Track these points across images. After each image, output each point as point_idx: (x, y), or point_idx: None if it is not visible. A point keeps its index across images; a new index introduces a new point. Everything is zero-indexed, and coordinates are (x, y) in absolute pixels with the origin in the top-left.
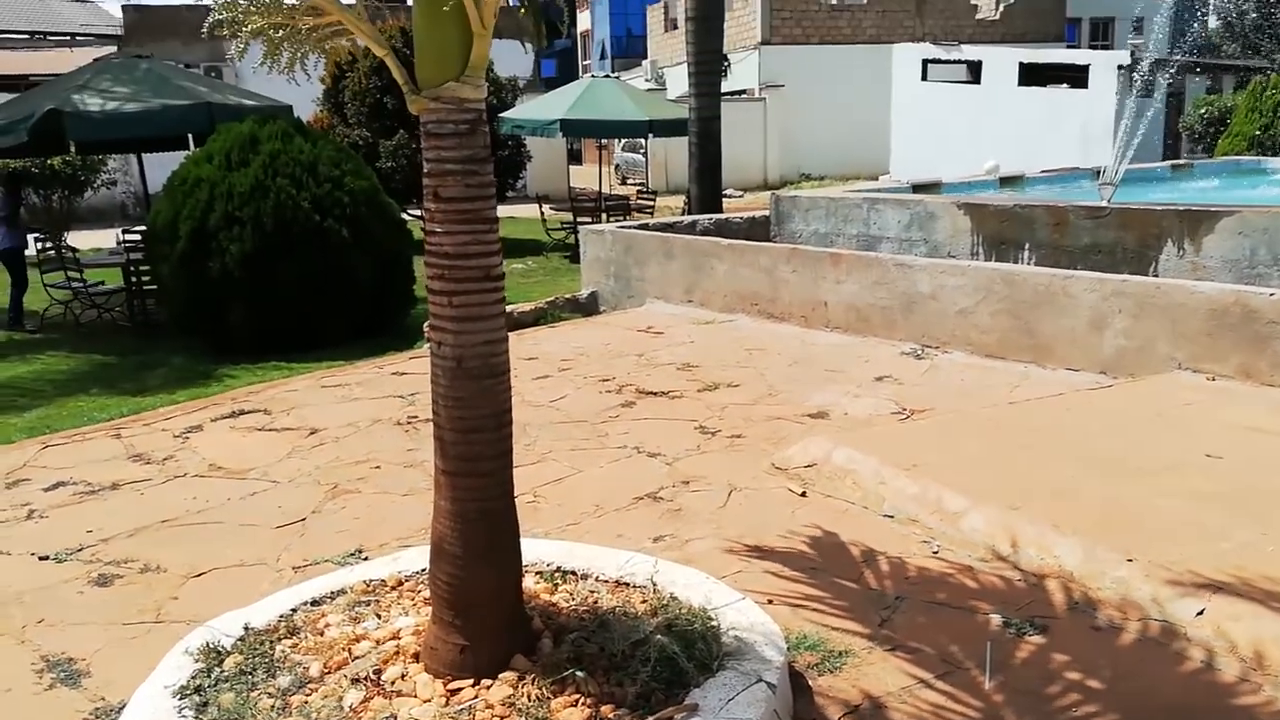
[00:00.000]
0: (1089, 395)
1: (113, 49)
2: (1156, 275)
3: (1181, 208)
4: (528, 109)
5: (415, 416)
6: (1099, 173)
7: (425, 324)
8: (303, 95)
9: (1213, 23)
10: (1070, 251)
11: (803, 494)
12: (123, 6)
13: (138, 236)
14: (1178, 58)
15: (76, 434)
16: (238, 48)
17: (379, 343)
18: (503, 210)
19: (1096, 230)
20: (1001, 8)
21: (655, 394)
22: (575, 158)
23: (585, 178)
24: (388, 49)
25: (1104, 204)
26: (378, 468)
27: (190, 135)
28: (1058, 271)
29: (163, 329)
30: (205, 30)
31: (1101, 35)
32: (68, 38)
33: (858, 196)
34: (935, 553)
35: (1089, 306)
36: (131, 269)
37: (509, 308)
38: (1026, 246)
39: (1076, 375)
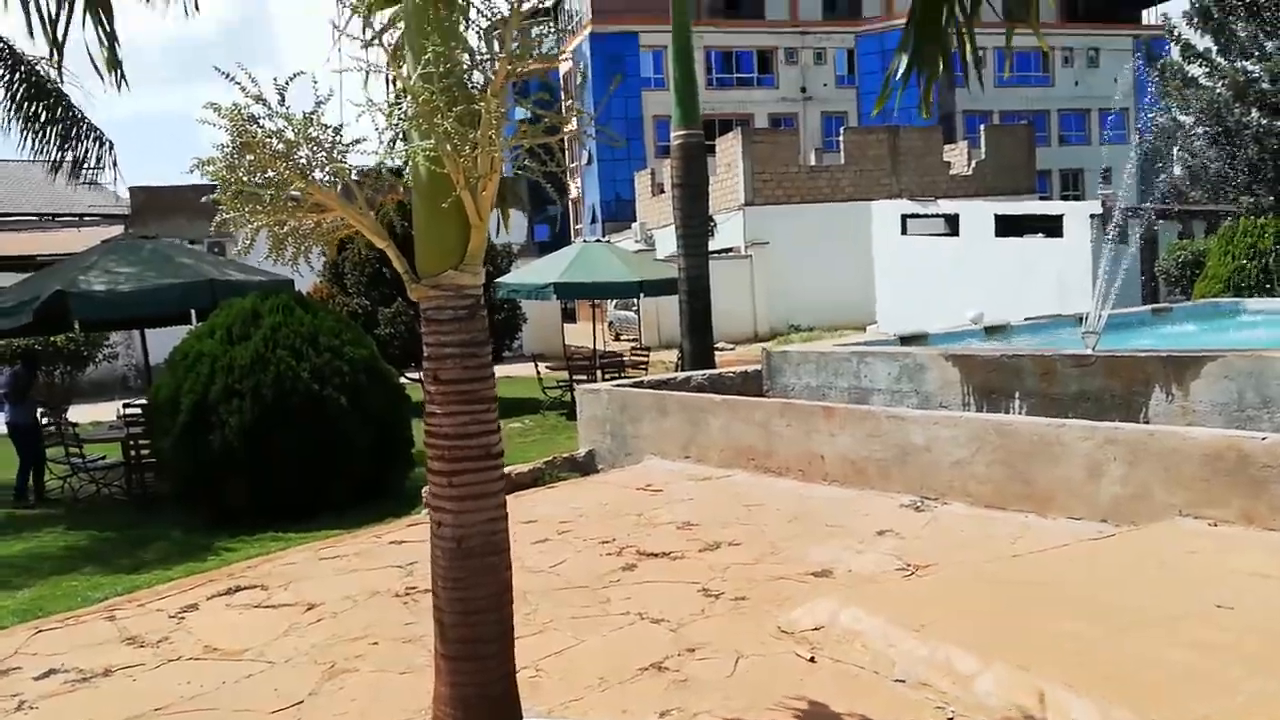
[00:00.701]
0: (1092, 546)
1: (120, 228)
2: (1148, 421)
3: (1165, 354)
4: (522, 274)
5: (414, 587)
6: (1081, 319)
7: (424, 489)
8: (303, 267)
9: (1177, 171)
10: (1060, 400)
11: (811, 659)
12: (130, 188)
13: (138, 410)
14: (1148, 205)
15: (69, 617)
16: (244, 243)
17: (378, 507)
18: (499, 370)
19: (1084, 378)
20: (974, 164)
21: (656, 555)
22: (569, 316)
23: (580, 335)
24: (388, 240)
25: (1089, 352)
26: (376, 644)
27: (193, 310)
28: (1050, 421)
29: (161, 502)
30: (213, 228)
31: (1072, 185)
32: (76, 218)
33: (846, 351)
34: (950, 718)
35: (1083, 455)
36: (131, 443)
37: (506, 468)
38: (1016, 395)
39: (1077, 524)
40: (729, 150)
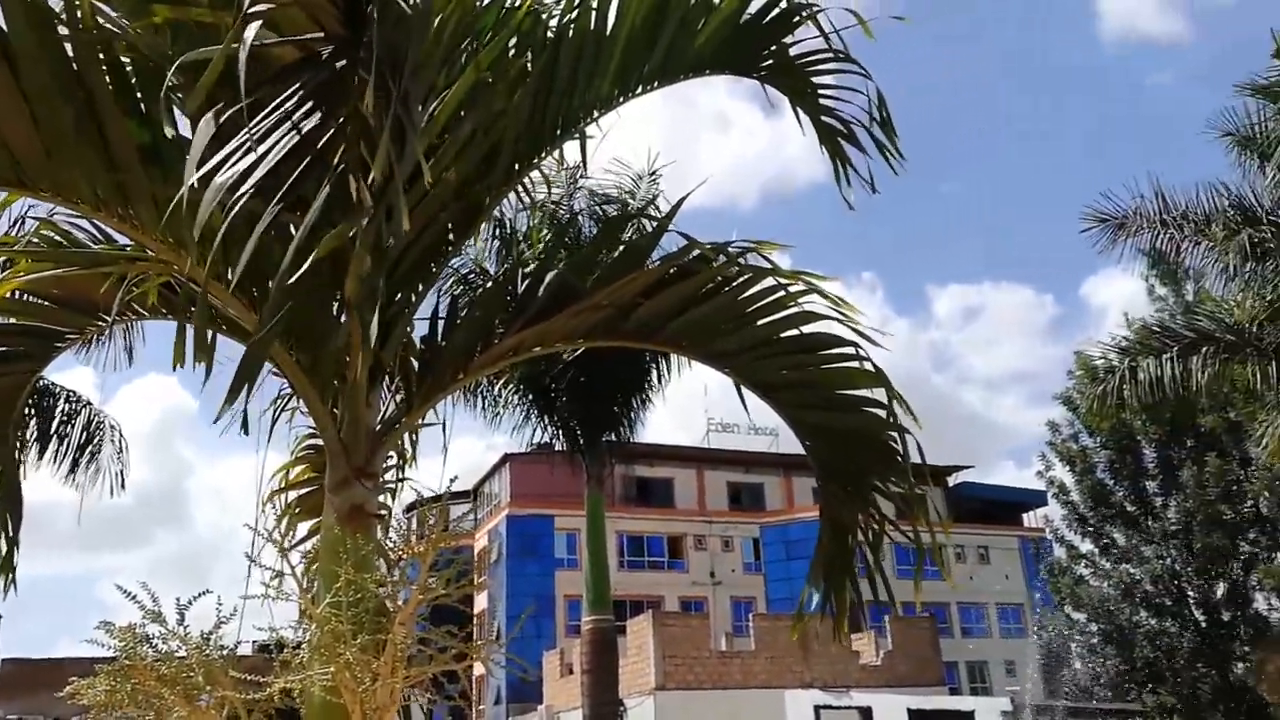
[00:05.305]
0: None
1: None
2: None
3: None
4: None
5: None
6: None
7: None
8: None
9: (1078, 666)
10: None
11: None
12: (2, 660)
13: None
14: (1058, 703)
15: None
16: None
17: None
18: None
19: None
20: (883, 654)
21: None
22: None
23: None
24: None
25: None
26: None
27: None
28: None
29: None
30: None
31: (979, 678)
32: None
33: None
34: None
35: None
36: None
37: None
38: None
39: None
40: (640, 632)
